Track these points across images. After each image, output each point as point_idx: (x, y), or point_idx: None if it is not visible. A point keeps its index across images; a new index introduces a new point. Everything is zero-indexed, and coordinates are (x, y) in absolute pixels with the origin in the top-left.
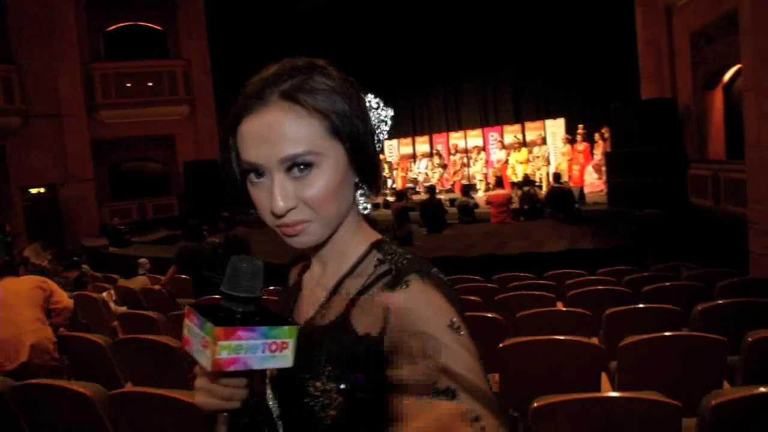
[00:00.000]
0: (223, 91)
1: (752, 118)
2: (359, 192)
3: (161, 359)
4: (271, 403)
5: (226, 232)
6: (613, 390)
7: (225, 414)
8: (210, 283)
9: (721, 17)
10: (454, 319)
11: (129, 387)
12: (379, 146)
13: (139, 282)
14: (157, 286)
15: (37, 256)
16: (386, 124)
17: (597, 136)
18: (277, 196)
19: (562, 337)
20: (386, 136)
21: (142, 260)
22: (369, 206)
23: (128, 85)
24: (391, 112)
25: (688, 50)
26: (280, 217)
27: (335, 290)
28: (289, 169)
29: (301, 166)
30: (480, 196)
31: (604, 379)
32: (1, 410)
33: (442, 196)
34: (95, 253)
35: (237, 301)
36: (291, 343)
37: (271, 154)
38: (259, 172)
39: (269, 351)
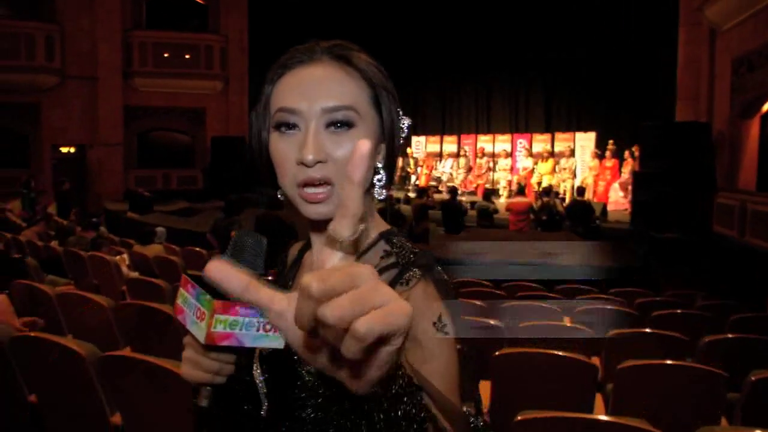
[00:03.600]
0: (257, 71)
1: None
2: (377, 177)
3: (162, 327)
4: (258, 381)
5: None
6: (606, 413)
7: (209, 388)
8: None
9: (765, 45)
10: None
11: (125, 351)
12: (400, 143)
13: (154, 250)
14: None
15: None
16: (404, 132)
17: (627, 153)
18: (309, 144)
19: (558, 353)
20: (401, 142)
21: (160, 229)
22: (384, 193)
23: (165, 55)
24: (408, 122)
25: (728, 75)
26: (307, 167)
27: None
28: (327, 126)
29: (339, 124)
30: (501, 202)
31: (599, 400)
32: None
33: (464, 198)
34: (115, 217)
35: None
36: None
37: (315, 103)
38: (291, 124)
39: (263, 330)
